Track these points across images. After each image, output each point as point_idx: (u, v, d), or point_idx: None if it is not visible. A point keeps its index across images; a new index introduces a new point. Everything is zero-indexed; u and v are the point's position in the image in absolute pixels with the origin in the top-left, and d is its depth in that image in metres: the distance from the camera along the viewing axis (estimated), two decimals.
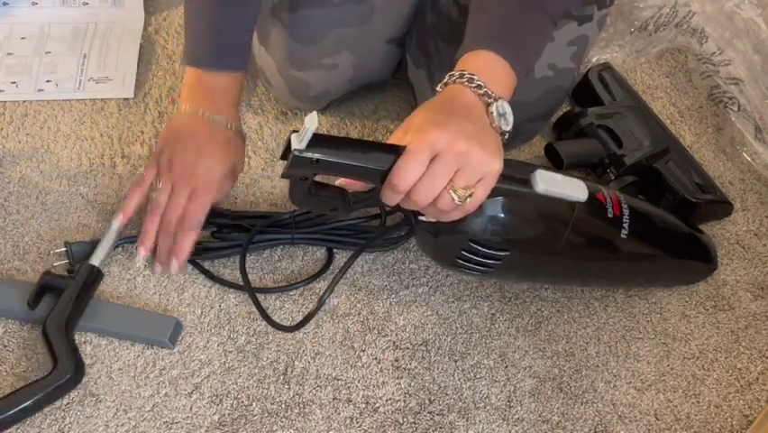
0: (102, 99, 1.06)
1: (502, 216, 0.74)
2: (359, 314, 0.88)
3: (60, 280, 0.84)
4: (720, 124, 1.09)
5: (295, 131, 0.67)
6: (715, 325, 0.90)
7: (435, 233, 0.76)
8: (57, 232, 0.92)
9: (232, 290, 0.88)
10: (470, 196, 0.67)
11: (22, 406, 0.76)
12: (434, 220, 0.72)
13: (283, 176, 0.70)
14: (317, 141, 0.67)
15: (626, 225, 0.80)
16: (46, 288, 0.84)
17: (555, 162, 1.00)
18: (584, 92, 1.10)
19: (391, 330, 0.86)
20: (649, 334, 0.89)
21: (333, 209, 0.77)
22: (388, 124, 1.06)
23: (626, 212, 0.81)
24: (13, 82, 1.07)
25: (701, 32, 1.14)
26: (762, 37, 1.08)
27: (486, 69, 0.72)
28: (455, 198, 0.67)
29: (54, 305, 0.82)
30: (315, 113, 0.66)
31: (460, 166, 0.66)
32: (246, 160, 1.00)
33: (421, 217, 0.73)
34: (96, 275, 0.85)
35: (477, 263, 0.77)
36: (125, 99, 1.06)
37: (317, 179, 0.72)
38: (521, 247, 0.77)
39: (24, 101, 1.05)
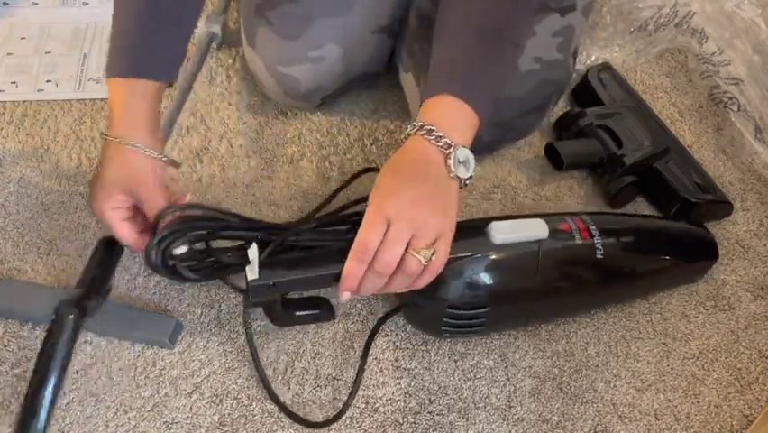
0: (102, 99, 1.06)
1: (470, 275, 0.77)
2: (359, 314, 0.88)
3: None
4: (720, 124, 1.09)
5: (247, 263, 0.74)
6: (715, 325, 0.90)
7: (417, 311, 0.80)
8: (57, 232, 0.92)
9: (232, 291, 0.88)
10: (433, 254, 0.70)
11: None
12: (406, 291, 0.74)
13: (250, 306, 0.77)
14: (269, 267, 0.74)
15: (599, 246, 0.81)
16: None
17: (555, 162, 1.00)
18: (584, 92, 1.10)
19: (391, 330, 0.86)
20: (649, 334, 0.89)
21: (316, 319, 0.83)
22: (388, 124, 1.06)
23: (596, 234, 0.82)
24: (13, 82, 1.07)
25: (701, 32, 1.14)
26: (762, 37, 1.08)
27: (446, 117, 0.74)
28: (421, 259, 0.70)
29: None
30: (254, 244, 0.74)
31: (414, 230, 0.70)
32: (246, 160, 1.00)
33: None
34: (109, 243, 0.83)
35: (463, 326, 0.80)
36: None
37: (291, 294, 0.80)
38: (499, 299, 0.79)
39: (24, 101, 1.05)
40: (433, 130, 0.73)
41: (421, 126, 0.73)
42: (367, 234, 0.70)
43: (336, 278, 0.72)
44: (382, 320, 0.86)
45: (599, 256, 0.81)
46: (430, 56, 0.82)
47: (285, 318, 0.82)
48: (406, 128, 0.75)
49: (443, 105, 0.75)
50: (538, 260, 0.78)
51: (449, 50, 0.78)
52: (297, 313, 0.82)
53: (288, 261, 0.77)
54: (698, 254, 0.92)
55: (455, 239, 0.73)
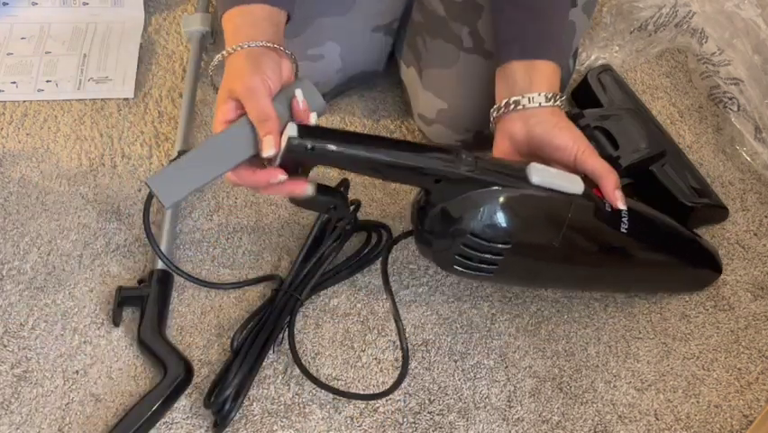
0: (102, 99, 1.06)
1: (499, 206, 0.74)
2: (359, 314, 0.88)
3: (137, 291, 0.85)
4: (720, 124, 1.09)
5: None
6: (715, 325, 0.90)
7: (433, 236, 0.77)
8: (57, 232, 0.92)
9: (232, 291, 0.88)
10: None
11: (146, 418, 0.77)
12: None
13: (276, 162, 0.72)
14: (315, 131, 0.72)
15: (624, 221, 0.80)
16: (125, 301, 0.85)
17: None
18: (583, 94, 1.09)
19: (391, 330, 0.86)
20: (649, 334, 0.89)
21: (332, 208, 0.79)
22: (388, 124, 1.06)
23: (625, 208, 0.81)
24: (13, 82, 1.07)
25: (701, 32, 1.14)
26: (762, 37, 1.08)
27: (555, 82, 0.82)
28: None
29: (141, 315, 0.84)
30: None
31: None
32: None
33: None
34: (168, 277, 0.87)
35: (478, 261, 0.76)
36: (125, 99, 1.06)
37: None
38: (521, 240, 0.76)
39: (24, 101, 1.05)
40: (557, 96, 0.81)
41: (554, 96, 0.81)
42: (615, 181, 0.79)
43: (384, 165, 0.72)
44: (395, 241, 0.83)
45: (623, 230, 0.80)
46: (433, 50, 0.82)
47: (305, 200, 0.77)
48: (544, 98, 0.80)
49: (548, 72, 0.82)
50: (569, 213, 0.76)
51: (536, 13, 0.83)
52: (320, 196, 0.77)
53: (337, 133, 0.75)
54: (705, 263, 0.91)
55: (494, 170, 0.73)
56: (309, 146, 0.70)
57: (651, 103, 1.10)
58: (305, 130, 0.70)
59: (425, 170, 0.73)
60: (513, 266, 0.78)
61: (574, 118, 1.02)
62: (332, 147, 0.71)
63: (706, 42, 1.13)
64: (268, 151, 0.70)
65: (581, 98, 1.09)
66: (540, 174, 0.75)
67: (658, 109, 1.10)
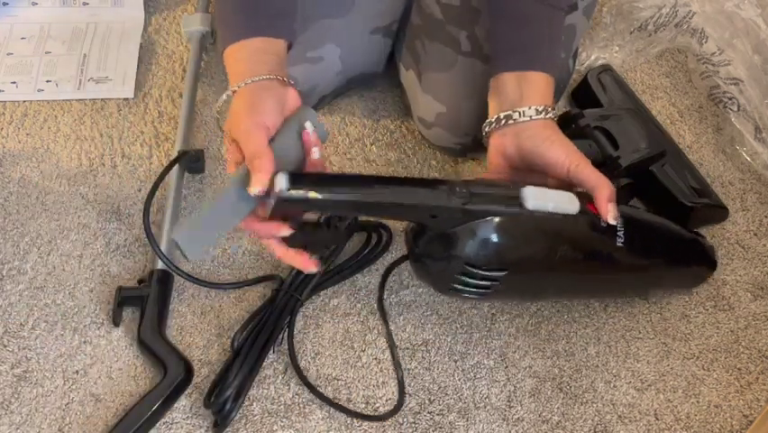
0: (102, 99, 1.06)
1: (495, 236, 0.74)
2: (359, 314, 0.88)
3: (137, 291, 0.85)
4: (720, 124, 1.09)
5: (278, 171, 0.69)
6: (715, 325, 0.90)
7: (431, 260, 0.77)
8: (57, 232, 0.92)
9: (231, 291, 0.88)
10: None
11: (146, 418, 0.77)
12: None
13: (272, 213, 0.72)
14: (303, 179, 0.70)
15: (620, 234, 0.80)
16: (125, 301, 0.85)
17: None
18: (583, 94, 1.09)
19: (391, 330, 0.86)
20: (649, 334, 0.89)
21: (325, 245, 0.80)
22: (388, 124, 1.06)
23: (619, 220, 0.80)
24: (13, 82, 1.07)
25: (701, 32, 1.14)
26: (762, 37, 1.08)
27: (547, 94, 0.81)
28: None
29: (141, 315, 0.84)
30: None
31: None
32: None
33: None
34: (168, 277, 0.87)
35: (474, 286, 0.77)
36: (125, 99, 1.06)
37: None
38: (517, 265, 0.77)
39: (24, 101, 1.05)
40: (548, 109, 0.80)
41: (545, 109, 0.80)
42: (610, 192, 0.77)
43: (379, 207, 0.71)
44: (390, 269, 0.83)
45: (619, 244, 0.79)
46: (432, 53, 0.81)
47: (299, 239, 0.76)
48: (535, 111, 0.79)
49: (542, 85, 0.81)
50: (564, 235, 0.77)
51: (521, 26, 0.83)
52: (312, 239, 0.77)
53: (329, 178, 0.74)
54: (700, 260, 0.91)
55: (488, 198, 0.73)
56: (302, 198, 0.69)
57: (651, 103, 1.10)
58: (295, 180, 0.69)
59: (420, 207, 0.72)
60: (509, 287, 0.79)
61: (574, 118, 1.02)
62: (326, 196, 0.70)
63: (706, 42, 1.13)
64: (254, 187, 0.68)
65: (581, 98, 1.09)
66: (535, 198, 0.75)
67: (658, 109, 1.10)
